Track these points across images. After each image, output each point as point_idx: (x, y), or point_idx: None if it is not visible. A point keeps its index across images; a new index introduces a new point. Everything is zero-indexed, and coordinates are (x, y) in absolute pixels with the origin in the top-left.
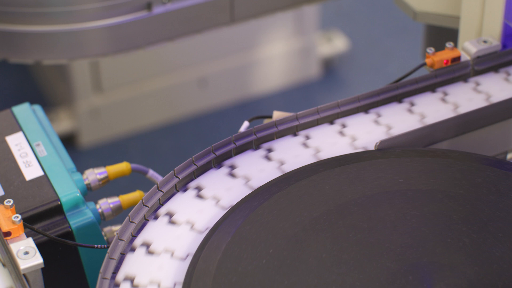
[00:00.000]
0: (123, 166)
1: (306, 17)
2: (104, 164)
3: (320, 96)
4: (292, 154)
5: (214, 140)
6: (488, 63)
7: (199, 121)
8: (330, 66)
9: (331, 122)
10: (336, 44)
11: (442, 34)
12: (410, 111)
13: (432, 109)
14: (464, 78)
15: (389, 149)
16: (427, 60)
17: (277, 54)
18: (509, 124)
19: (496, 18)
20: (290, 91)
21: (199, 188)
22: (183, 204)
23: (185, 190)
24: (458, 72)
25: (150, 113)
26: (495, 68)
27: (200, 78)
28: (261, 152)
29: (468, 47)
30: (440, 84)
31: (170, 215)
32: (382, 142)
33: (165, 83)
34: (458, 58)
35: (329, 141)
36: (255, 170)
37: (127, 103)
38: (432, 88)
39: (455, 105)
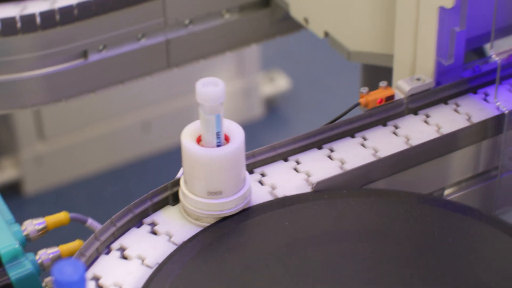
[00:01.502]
0: (62, 216)
1: (247, 58)
2: (48, 211)
3: (264, 135)
4: None
5: (160, 183)
6: (422, 101)
7: (144, 164)
8: (273, 106)
9: (251, 171)
10: (278, 83)
11: (379, 72)
12: (363, 145)
13: (382, 143)
14: (399, 116)
15: (325, 190)
16: (361, 100)
17: None
18: (445, 160)
19: (428, 56)
20: None
21: (122, 249)
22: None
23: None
24: (392, 111)
25: (94, 159)
26: (430, 105)
27: (144, 121)
28: None
29: (402, 86)
30: (376, 123)
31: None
32: (318, 183)
33: (109, 128)
34: (392, 96)
35: (254, 190)
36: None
37: (71, 150)
38: (374, 125)
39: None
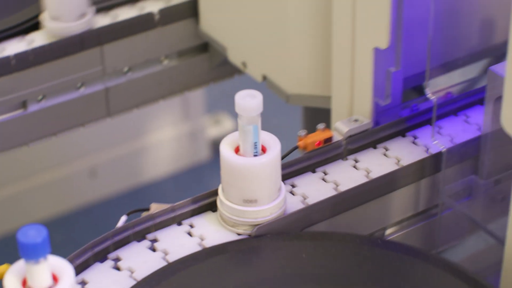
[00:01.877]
0: (4, 268)
1: (192, 101)
2: None
3: (212, 178)
4: (176, 243)
5: (108, 229)
6: (360, 141)
7: (92, 211)
8: (219, 148)
9: (213, 210)
10: (224, 125)
11: (319, 113)
12: (292, 192)
13: (312, 189)
14: (339, 157)
15: (266, 235)
16: (300, 143)
17: (166, 139)
18: (385, 200)
19: (365, 97)
20: (182, 175)
21: (83, 282)
22: None
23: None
24: (331, 153)
25: (41, 207)
26: (369, 146)
27: (90, 168)
28: (145, 243)
29: (340, 127)
30: (316, 165)
31: None
32: (259, 228)
33: (55, 176)
34: (330, 138)
35: (212, 229)
36: (140, 261)
37: (16, 199)
38: (310, 169)
39: (335, 183)
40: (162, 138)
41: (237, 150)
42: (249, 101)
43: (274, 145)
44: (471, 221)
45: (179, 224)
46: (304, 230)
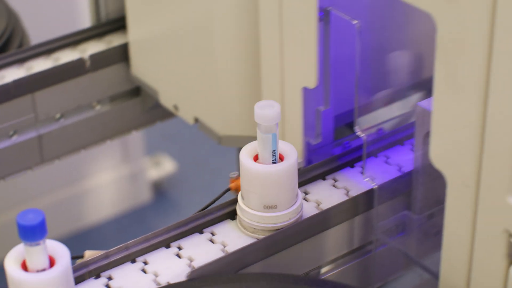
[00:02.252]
0: None
1: (131, 143)
2: None
3: (153, 220)
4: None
5: None
6: None
7: None
8: (160, 189)
9: (133, 261)
10: (164, 167)
11: None
12: (211, 240)
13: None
14: None
15: (199, 278)
16: (232, 185)
17: (106, 183)
18: (319, 238)
19: (296, 136)
20: (123, 218)
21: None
22: None
23: None
24: None
25: None
26: (301, 185)
27: None
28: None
29: None
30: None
31: None
32: (192, 272)
33: None
34: None
35: (233, 235)
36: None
37: None
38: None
39: None
40: (102, 182)
41: (255, 159)
42: (267, 111)
43: (291, 152)
44: (406, 256)
45: (201, 232)
46: (238, 272)
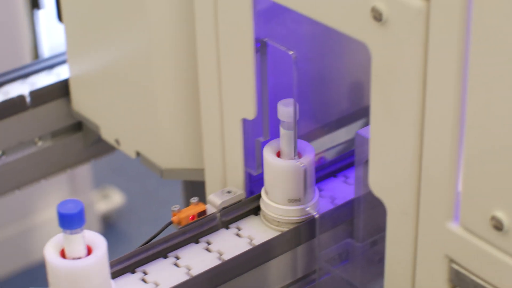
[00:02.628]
0: None
1: (79, 177)
2: None
3: None
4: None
5: None
6: (235, 213)
7: None
8: (109, 222)
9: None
10: (112, 200)
11: (198, 185)
12: (176, 264)
13: (195, 260)
14: (214, 229)
15: None
16: (174, 218)
17: (54, 217)
18: (262, 269)
19: (237, 167)
20: None
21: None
22: None
23: None
24: (206, 226)
25: None
26: (243, 216)
27: None
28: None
29: (213, 199)
30: (189, 241)
31: None
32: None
33: None
34: (204, 212)
35: (258, 230)
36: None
37: None
38: (187, 243)
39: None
40: (51, 216)
41: (278, 155)
42: (290, 108)
43: (309, 149)
44: (350, 285)
45: (227, 228)
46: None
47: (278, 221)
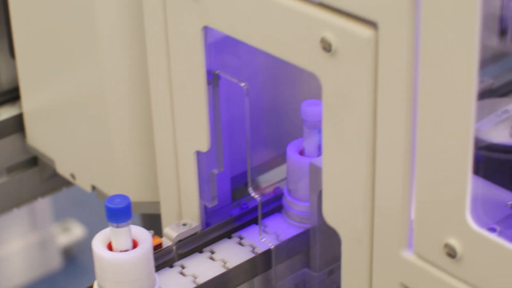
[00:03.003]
0: None
1: (39, 210)
2: None
3: (65, 285)
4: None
5: None
6: (191, 245)
7: None
8: (70, 255)
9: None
10: (73, 233)
11: (156, 218)
12: None
13: None
14: (170, 263)
15: None
16: None
17: (15, 251)
18: None
19: (193, 200)
20: (34, 285)
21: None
22: None
23: None
24: (162, 259)
25: None
26: (197, 250)
27: None
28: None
29: (169, 232)
30: None
31: None
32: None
33: None
34: (160, 245)
35: (282, 226)
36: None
37: None
38: None
39: None
40: (11, 250)
41: (301, 153)
42: (313, 108)
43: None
44: None
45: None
46: None
47: (301, 218)
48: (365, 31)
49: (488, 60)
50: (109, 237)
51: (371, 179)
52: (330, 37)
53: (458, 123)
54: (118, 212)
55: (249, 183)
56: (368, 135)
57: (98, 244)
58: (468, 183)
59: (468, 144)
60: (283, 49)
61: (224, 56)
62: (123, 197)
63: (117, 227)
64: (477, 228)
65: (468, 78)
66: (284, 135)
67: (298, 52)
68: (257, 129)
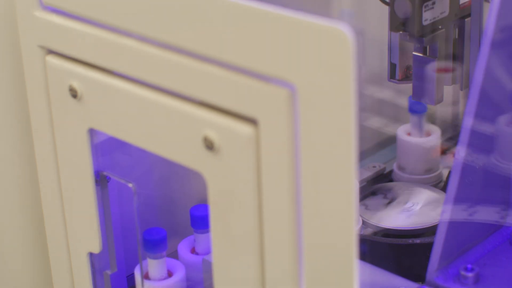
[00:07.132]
0: None
1: None
2: None
3: None
4: None
5: None
6: None
7: None
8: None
9: None
10: None
11: None
12: None
13: None
14: None
15: None
16: None
17: None
18: None
19: None
20: None
21: None
22: None
23: None
24: None
25: None
26: None
27: None
28: None
29: None
30: None
31: None
32: None
33: None
34: None
35: None
36: None
37: None
38: None
39: None
40: None
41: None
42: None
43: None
44: None
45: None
46: None
47: None
48: (245, 128)
49: (380, 145)
50: (147, 267)
51: (260, 275)
52: (212, 135)
53: (341, 213)
54: (155, 244)
55: (142, 282)
56: (255, 231)
57: (137, 273)
58: (355, 271)
59: (352, 232)
60: (167, 149)
61: (114, 155)
62: (159, 230)
63: (154, 257)
64: None
65: (348, 168)
66: (177, 232)
67: (182, 151)
68: (151, 227)
